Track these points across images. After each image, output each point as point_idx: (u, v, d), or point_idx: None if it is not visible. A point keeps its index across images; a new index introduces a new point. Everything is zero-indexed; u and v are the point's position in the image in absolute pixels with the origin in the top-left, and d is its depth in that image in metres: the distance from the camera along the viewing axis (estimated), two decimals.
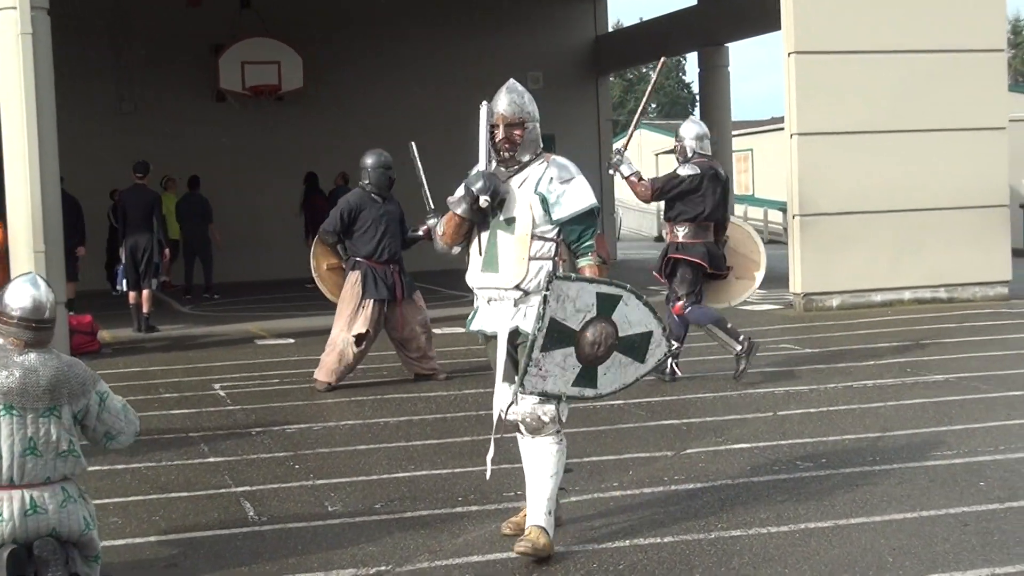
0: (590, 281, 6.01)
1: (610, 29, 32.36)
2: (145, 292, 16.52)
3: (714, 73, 26.99)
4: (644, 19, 37.89)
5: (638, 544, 6.34)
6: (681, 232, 11.10)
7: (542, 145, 6.47)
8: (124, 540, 6.75)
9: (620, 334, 6.02)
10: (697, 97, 37.90)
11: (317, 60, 25.76)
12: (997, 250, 17.31)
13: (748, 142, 42.89)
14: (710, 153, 11.45)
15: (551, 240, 6.30)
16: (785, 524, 6.62)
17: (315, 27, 26.42)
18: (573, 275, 6.05)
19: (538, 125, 6.40)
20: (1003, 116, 17.44)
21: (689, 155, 11.22)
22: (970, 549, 6.12)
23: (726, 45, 26.86)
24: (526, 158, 6.38)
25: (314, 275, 11.99)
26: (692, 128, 11.40)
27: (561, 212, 6.27)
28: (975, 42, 17.19)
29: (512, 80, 6.48)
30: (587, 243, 6.33)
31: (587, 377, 6.08)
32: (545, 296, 5.82)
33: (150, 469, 8.45)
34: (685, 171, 11.09)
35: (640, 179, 11.17)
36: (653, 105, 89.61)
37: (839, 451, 8.31)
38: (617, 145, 11.45)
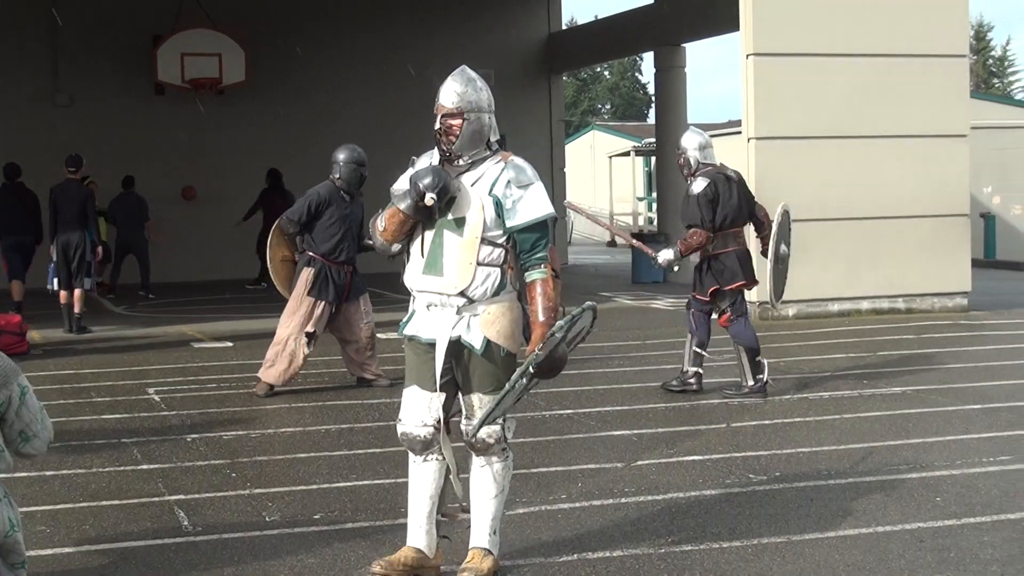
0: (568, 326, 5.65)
1: (564, 27, 32.28)
2: (77, 292, 16.20)
3: (670, 74, 26.90)
4: (599, 17, 37.87)
5: (586, 558, 6.22)
6: (711, 246, 10.82)
7: (495, 140, 5.97)
8: (52, 550, 6.55)
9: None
10: (653, 98, 37.92)
11: (261, 54, 25.54)
12: (957, 260, 17.27)
13: None
14: (715, 161, 11.17)
15: (501, 246, 5.84)
16: (737, 539, 6.51)
17: (260, 20, 26.14)
18: (555, 335, 5.62)
19: (487, 117, 5.89)
20: (965, 123, 17.41)
21: (694, 167, 11.00)
22: (925, 565, 6.04)
23: (683, 46, 26.78)
24: (472, 153, 5.88)
25: (268, 265, 11.69)
26: (694, 139, 11.13)
27: (516, 219, 5.82)
28: (937, 47, 17.16)
29: (464, 66, 6.03)
30: (539, 254, 5.85)
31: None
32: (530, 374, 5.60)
33: (80, 476, 8.24)
34: (697, 187, 10.79)
35: (682, 240, 10.84)
36: (608, 105, 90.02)
37: (793, 464, 8.22)
38: (648, 253, 11.26)
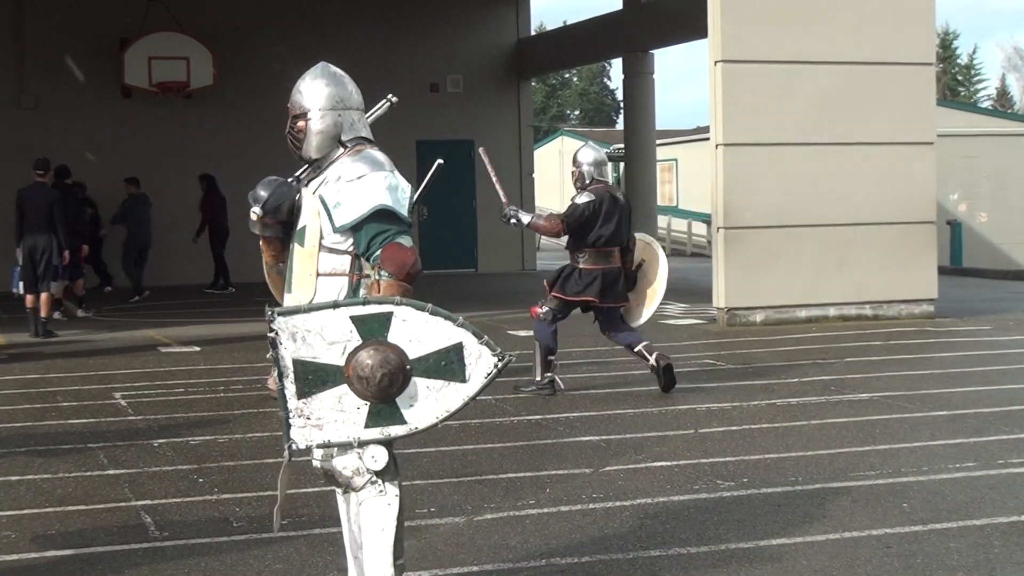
0: (334, 306, 4.81)
1: (533, 32, 32.30)
2: (44, 295, 16.13)
3: (638, 80, 26.96)
4: (568, 23, 37.90)
5: (555, 564, 6.19)
6: (581, 259, 11.10)
7: (350, 137, 5.39)
8: (17, 555, 6.50)
9: (411, 356, 4.79)
10: (621, 104, 37.94)
11: (229, 58, 25.43)
12: (923, 267, 17.31)
13: (673, 152, 43.02)
14: (608, 179, 11.50)
15: (346, 253, 5.18)
16: (705, 544, 6.50)
17: (228, 24, 26.04)
18: (301, 306, 4.88)
19: (340, 114, 5.38)
20: (931, 131, 17.45)
21: (587, 181, 11.22)
22: (892, 572, 6.04)
23: (651, 52, 26.83)
24: (327, 155, 5.35)
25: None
26: (589, 154, 11.37)
27: (342, 217, 5.12)
28: (904, 55, 17.20)
29: (322, 63, 5.58)
30: (375, 254, 5.11)
31: (385, 415, 4.86)
32: (272, 340, 4.78)
33: (46, 481, 8.18)
34: (582, 199, 11.06)
35: (541, 217, 11.30)
36: (577, 111, 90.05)
37: (761, 470, 8.21)
38: (503, 200, 11.30)
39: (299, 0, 26.88)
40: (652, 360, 11.06)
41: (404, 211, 5.17)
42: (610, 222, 11.01)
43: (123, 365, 13.61)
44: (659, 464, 8.40)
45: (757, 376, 12.27)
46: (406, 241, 5.15)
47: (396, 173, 5.25)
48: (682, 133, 47.31)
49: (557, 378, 11.29)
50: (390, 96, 5.98)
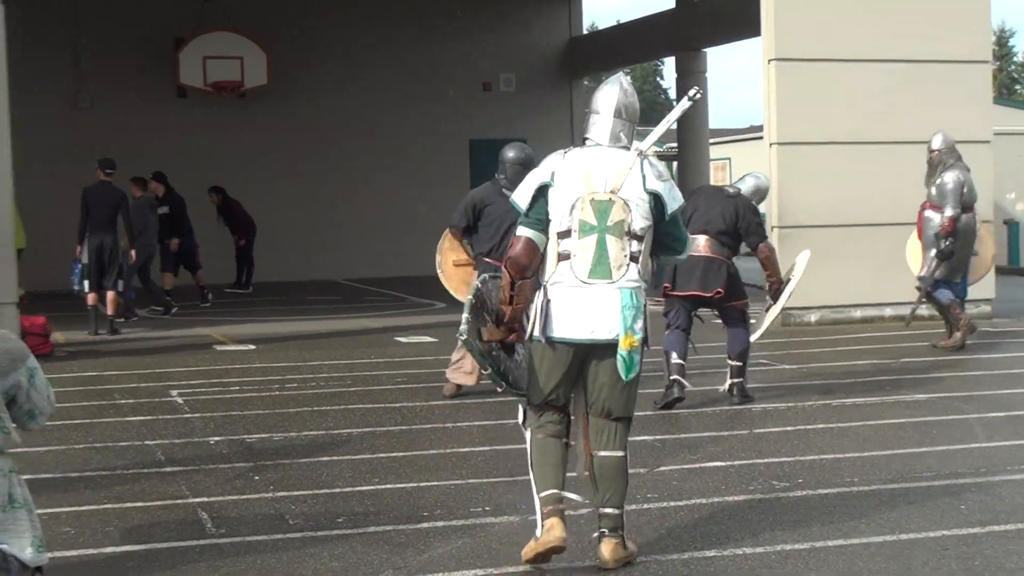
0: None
1: (585, 32, 32.24)
2: (110, 294, 16.25)
3: (692, 79, 26.82)
4: (621, 22, 37.82)
5: None
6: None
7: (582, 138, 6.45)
8: (77, 551, 6.55)
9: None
10: (674, 103, 37.81)
11: (283, 57, 25.57)
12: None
13: (726, 151, 42.87)
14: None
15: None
16: (760, 545, 6.48)
17: (282, 23, 26.17)
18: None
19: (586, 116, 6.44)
20: (988, 129, 17.28)
21: None
22: (950, 574, 6.00)
23: (704, 50, 26.73)
24: None
25: (438, 271, 11.55)
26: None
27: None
28: (960, 53, 17.05)
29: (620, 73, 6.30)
30: None
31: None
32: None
33: (104, 477, 8.24)
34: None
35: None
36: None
37: (816, 471, 8.17)
38: None
39: (353, 1, 26.94)
40: (728, 384, 10.81)
41: (519, 203, 6.31)
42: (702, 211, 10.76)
43: (179, 363, 13.69)
44: (714, 464, 8.37)
45: (812, 376, 12.20)
46: (518, 231, 6.25)
47: (540, 167, 6.34)
48: (735, 132, 47.13)
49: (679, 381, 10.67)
50: (691, 93, 6.77)
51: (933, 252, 13.76)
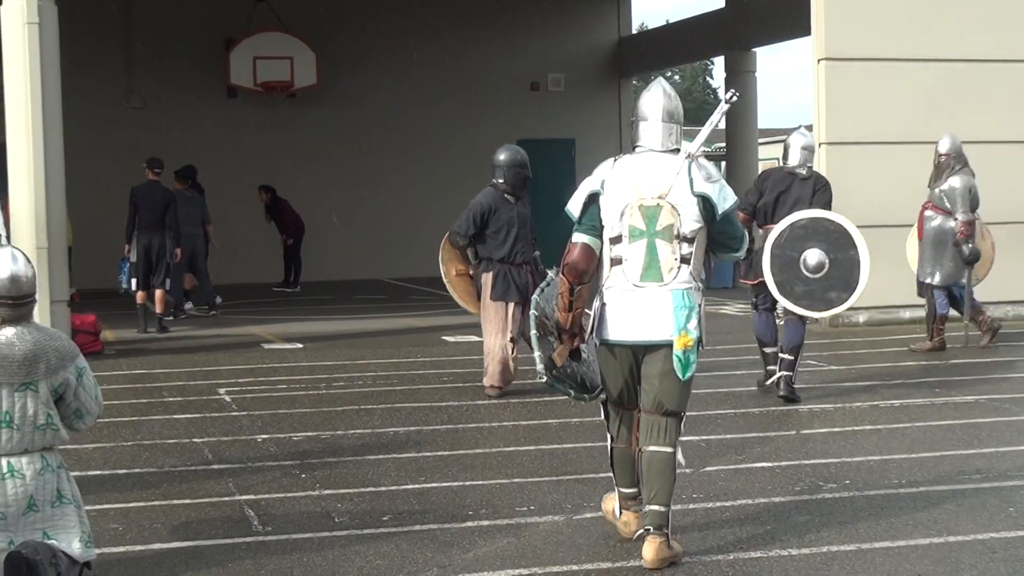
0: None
1: (634, 31, 32.17)
2: (159, 292, 16.35)
3: (741, 78, 26.74)
4: (670, 22, 37.75)
5: None
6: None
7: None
8: (124, 547, 6.61)
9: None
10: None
11: (333, 57, 25.63)
12: None
13: (775, 151, 42.60)
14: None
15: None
16: (807, 547, 6.46)
17: (332, 24, 26.18)
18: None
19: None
20: None
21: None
22: None
23: (753, 50, 26.64)
24: None
25: (444, 280, 11.62)
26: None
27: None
28: (1010, 52, 16.91)
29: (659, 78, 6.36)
30: None
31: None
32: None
33: (151, 474, 8.31)
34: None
35: None
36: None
37: (863, 472, 8.13)
38: None
39: (402, 2, 26.98)
40: (776, 376, 10.81)
41: (572, 211, 6.42)
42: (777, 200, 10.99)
43: (227, 361, 13.75)
44: (760, 465, 8.36)
45: (860, 377, 12.13)
46: (573, 238, 6.39)
47: (591, 176, 6.43)
48: (785, 132, 46.86)
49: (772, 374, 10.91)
50: (728, 95, 6.73)
51: (949, 256, 13.69)
